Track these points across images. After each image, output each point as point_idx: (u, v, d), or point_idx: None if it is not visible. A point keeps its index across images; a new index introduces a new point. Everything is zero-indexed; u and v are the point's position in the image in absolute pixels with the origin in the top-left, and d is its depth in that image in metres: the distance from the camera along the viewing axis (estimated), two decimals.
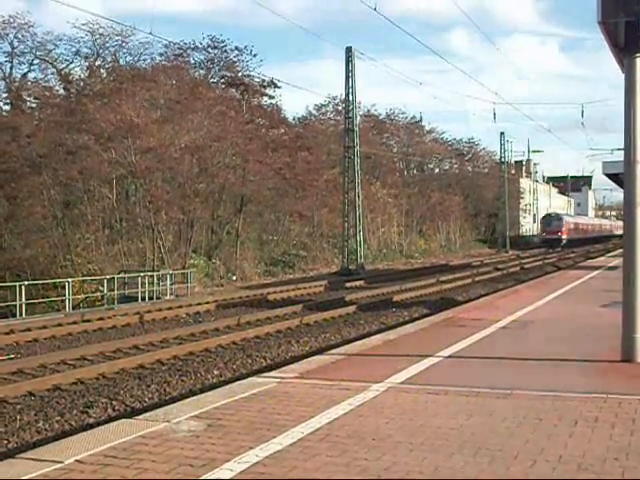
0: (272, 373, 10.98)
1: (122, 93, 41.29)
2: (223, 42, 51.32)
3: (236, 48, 51.27)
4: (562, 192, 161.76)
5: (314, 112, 70.46)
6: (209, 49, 51.36)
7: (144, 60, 49.62)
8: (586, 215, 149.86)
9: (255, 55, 51.69)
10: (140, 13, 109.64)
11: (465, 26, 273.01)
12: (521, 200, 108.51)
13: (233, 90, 52.96)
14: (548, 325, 16.02)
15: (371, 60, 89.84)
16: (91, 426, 10.64)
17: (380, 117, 77.36)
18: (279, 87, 54.19)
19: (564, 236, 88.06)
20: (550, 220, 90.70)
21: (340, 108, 62.83)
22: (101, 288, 29.85)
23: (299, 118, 67.52)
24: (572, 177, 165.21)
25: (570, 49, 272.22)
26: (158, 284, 31.64)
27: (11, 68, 47.22)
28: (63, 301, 27.88)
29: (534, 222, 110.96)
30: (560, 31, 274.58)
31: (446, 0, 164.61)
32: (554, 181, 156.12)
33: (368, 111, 73.54)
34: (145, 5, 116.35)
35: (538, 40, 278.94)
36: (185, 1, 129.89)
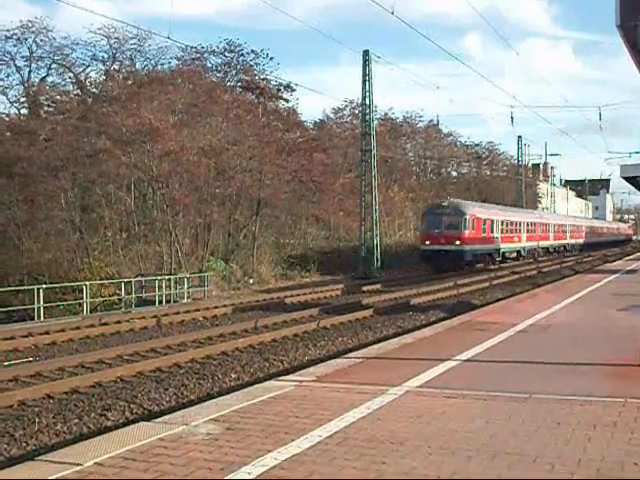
0: (290, 377, 10.99)
1: (140, 97, 41.43)
2: (240, 45, 51.43)
3: (252, 51, 51.35)
4: (580, 196, 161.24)
5: (331, 115, 70.47)
6: (226, 53, 51.46)
7: (162, 64, 49.79)
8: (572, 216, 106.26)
9: (272, 58, 51.76)
10: (157, 18, 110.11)
11: (478, 30, 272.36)
12: (539, 204, 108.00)
13: (250, 94, 53.01)
14: (566, 329, 15.96)
15: (388, 63, 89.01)
16: (109, 429, 10.68)
17: (397, 120, 77.25)
18: (294, 90, 54.26)
19: (467, 246, 47.11)
20: (437, 215, 48.14)
21: (357, 112, 62.83)
22: (118, 291, 29.92)
23: (316, 122, 67.54)
24: (590, 180, 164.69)
25: (584, 52, 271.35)
26: (175, 287, 31.72)
27: (29, 72, 47.41)
28: (81, 304, 27.97)
29: None
30: (573, 34, 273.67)
31: (459, 4, 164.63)
32: (572, 185, 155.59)
33: (385, 114, 73.48)
34: (162, 9, 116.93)
35: (551, 43, 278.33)
36: (200, 5, 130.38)
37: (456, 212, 47.97)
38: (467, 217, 47.85)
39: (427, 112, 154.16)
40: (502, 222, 55.45)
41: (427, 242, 47.10)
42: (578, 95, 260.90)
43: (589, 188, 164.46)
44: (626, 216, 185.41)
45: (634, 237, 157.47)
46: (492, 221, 52.72)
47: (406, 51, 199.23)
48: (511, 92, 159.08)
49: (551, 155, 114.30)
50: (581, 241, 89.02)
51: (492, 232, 52.28)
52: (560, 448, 6.91)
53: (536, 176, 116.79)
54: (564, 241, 79.55)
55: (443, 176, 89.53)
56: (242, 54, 51.56)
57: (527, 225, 63.30)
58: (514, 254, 59.45)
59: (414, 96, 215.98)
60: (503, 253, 55.46)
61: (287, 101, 55.27)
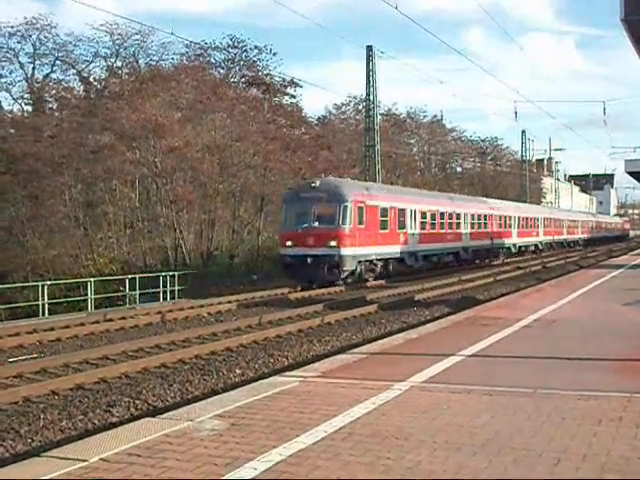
0: (294, 372, 10.99)
1: (143, 93, 41.47)
2: (243, 42, 51.46)
3: (256, 47, 51.39)
4: (584, 190, 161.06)
5: (333, 111, 70.45)
6: (229, 49, 51.49)
7: (165, 60, 49.83)
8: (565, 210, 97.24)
9: (275, 54, 51.78)
10: (160, 14, 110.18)
11: (480, 25, 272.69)
12: (543, 199, 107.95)
13: (254, 90, 53.00)
14: (571, 324, 15.93)
15: (391, 59, 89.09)
16: (114, 425, 10.67)
17: (401, 116, 77.22)
18: (301, 87, 54.25)
19: (346, 250, 31.92)
20: (304, 202, 32.89)
21: (360, 107, 62.81)
22: (122, 288, 29.94)
23: (319, 118, 67.54)
24: (594, 175, 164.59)
25: (587, 47, 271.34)
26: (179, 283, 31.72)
27: (33, 69, 47.53)
28: (85, 300, 28.00)
29: None
30: (576, 29, 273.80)
31: None
32: (576, 179, 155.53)
33: (389, 110, 73.45)
34: (165, 6, 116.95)
35: (554, 38, 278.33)
36: (203, 2, 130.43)
37: (331, 196, 32.31)
38: (348, 204, 32.27)
39: (430, 107, 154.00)
40: (422, 213, 40.65)
41: (288, 243, 32.43)
42: (581, 90, 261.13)
43: (593, 183, 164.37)
44: (630, 211, 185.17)
45: (631, 233, 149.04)
46: (403, 211, 38.00)
47: (408, 46, 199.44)
48: (514, 87, 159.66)
49: (555, 150, 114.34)
50: (560, 238, 75.91)
51: (403, 227, 37.92)
52: (565, 443, 6.90)
53: (540, 171, 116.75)
54: (533, 238, 66.21)
55: (447, 172, 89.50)
56: (245, 50, 51.63)
57: (473, 218, 49.19)
58: (449, 257, 45.71)
59: (417, 91, 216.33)
60: (424, 257, 40.62)
61: (293, 97, 55.31)
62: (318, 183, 33.04)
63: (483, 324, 15.96)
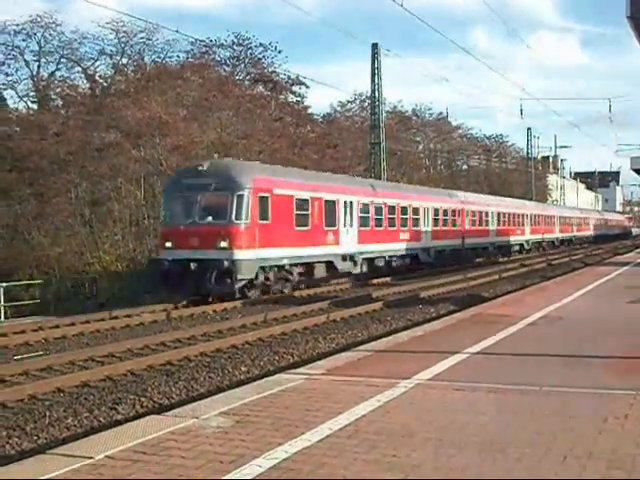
0: (300, 370, 11.00)
1: (149, 90, 41.50)
2: (248, 39, 51.46)
3: (261, 45, 51.39)
4: (590, 188, 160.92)
5: (338, 109, 70.41)
6: (234, 46, 51.50)
7: (170, 57, 49.85)
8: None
9: (280, 52, 51.78)
10: (163, 11, 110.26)
11: (484, 23, 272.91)
12: (549, 197, 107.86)
13: (261, 87, 53.00)
14: (577, 322, 15.93)
15: (397, 56, 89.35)
16: (119, 422, 10.68)
17: (406, 113, 77.16)
18: (308, 87, 54.23)
19: (241, 253, 25.06)
20: (188, 192, 26.00)
21: (365, 105, 62.78)
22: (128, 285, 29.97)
23: (324, 115, 67.53)
24: (600, 173, 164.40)
25: (591, 44, 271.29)
26: None
27: (38, 67, 47.60)
28: (90, 298, 28.01)
29: None
30: (579, 26, 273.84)
31: None
32: (581, 177, 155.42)
33: (394, 107, 73.42)
34: (168, 3, 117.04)
35: (558, 36, 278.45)
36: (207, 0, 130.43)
37: (222, 183, 25.71)
38: (244, 193, 25.56)
39: (435, 105, 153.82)
40: (363, 205, 33.91)
41: (168, 244, 25.85)
42: (587, 87, 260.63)
43: (599, 180, 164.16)
44: (636, 208, 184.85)
45: (634, 230, 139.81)
46: (333, 204, 31.17)
47: (412, 44, 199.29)
48: (519, 84, 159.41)
49: (561, 147, 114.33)
50: (538, 237, 65.38)
51: (333, 224, 31.31)
52: (571, 441, 6.89)
53: (546, 168, 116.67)
54: (518, 237, 58.75)
55: (453, 169, 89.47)
56: (250, 47, 51.62)
57: (437, 213, 42.50)
58: (403, 260, 38.36)
59: (421, 88, 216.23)
60: (367, 260, 33.99)
61: (301, 96, 55.29)
62: (206, 166, 26.24)
63: (489, 321, 15.96)
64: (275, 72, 51.99)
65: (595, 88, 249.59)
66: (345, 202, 31.90)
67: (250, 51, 51.84)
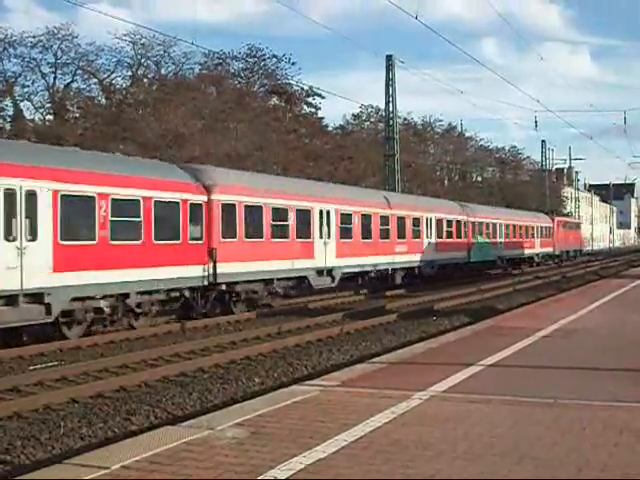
0: (314, 381, 11.00)
1: (167, 102, 41.67)
2: (261, 50, 51.66)
3: (274, 56, 51.58)
4: (604, 200, 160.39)
5: (351, 121, 70.46)
6: (247, 58, 51.70)
7: (186, 70, 50.08)
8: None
9: (294, 63, 51.94)
10: (176, 25, 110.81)
11: (494, 35, 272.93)
12: (563, 209, 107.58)
13: (275, 99, 53.14)
14: (592, 334, 15.87)
15: (411, 68, 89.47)
16: (134, 433, 10.70)
17: (418, 126, 77.17)
18: (324, 97, 54.34)
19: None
20: None
21: (379, 115, 62.80)
22: None
23: (337, 127, 67.60)
24: (614, 185, 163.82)
25: (602, 56, 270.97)
26: None
27: (55, 79, 47.85)
28: None
29: None
30: (590, 39, 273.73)
31: (474, 9, 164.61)
32: (596, 189, 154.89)
33: (405, 119, 73.47)
34: (181, 16, 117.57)
35: (569, 48, 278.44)
36: (221, 12, 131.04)
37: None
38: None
39: (447, 117, 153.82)
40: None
41: None
42: (599, 99, 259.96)
43: (613, 192, 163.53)
44: None
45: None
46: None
47: (424, 55, 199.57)
48: (532, 96, 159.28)
49: (575, 159, 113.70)
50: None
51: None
52: (586, 453, 6.88)
53: (560, 180, 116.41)
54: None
55: (467, 181, 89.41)
56: (264, 59, 51.81)
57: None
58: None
59: (431, 101, 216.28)
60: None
61: (316, 108, 55.41)
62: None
63: (503, 334, 15.92)
64: (289, 84, 52.19)
65: (609, 100, 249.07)
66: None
67: (263, 62, 52.09)
